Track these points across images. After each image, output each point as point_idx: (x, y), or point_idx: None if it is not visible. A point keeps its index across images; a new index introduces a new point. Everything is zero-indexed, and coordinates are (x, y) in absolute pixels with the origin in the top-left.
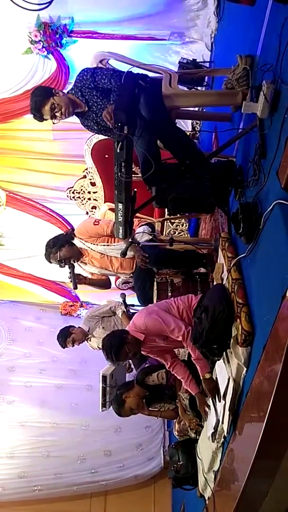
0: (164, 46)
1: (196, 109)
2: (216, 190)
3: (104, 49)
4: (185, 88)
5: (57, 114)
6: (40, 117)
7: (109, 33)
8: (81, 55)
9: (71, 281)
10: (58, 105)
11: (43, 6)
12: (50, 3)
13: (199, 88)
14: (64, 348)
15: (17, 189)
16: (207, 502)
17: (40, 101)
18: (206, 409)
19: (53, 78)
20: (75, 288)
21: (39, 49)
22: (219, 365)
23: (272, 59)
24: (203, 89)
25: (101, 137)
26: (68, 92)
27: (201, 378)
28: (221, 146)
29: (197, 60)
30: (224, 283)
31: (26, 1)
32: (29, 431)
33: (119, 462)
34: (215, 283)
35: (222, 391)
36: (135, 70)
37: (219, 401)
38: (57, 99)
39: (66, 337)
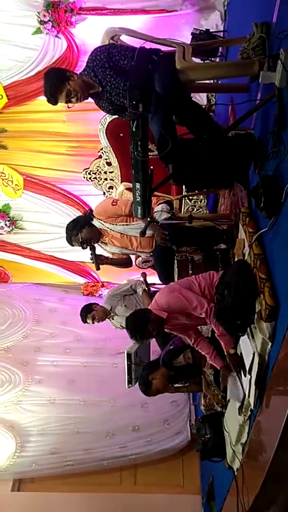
0: (175, 17)
1: (211, 81)
2: (235, 164)
3: (114, 25)
4: (199, 60)
5: (73, 99)
6: (55, 102)
7: (118, 8)
8: (92, 33)
9: (93, 263)
10: (74, 90)
11: None
12: None
13: (213, 59)
14: (84, 322)
15: (34, 172)
16: (235, 473)
17: (55, 87)
18: (230, 381)
19: (64, 57)
20: (98, 269)
21: (48, 29)
22: (244, 340)
23: None
24: (218, 60)
25: (115, 116)
26: (80, 74)
27: (226, 353)
28: (238, 119)
29: (211, 30)
30: (245, 258)
31: None
32: (58, 408)
33: (146, 437)
34: (236, 259)
35: (247, 366)
36: (147, 45)
37: (245, 376)
38: (72, 83)
39: (87, 312)
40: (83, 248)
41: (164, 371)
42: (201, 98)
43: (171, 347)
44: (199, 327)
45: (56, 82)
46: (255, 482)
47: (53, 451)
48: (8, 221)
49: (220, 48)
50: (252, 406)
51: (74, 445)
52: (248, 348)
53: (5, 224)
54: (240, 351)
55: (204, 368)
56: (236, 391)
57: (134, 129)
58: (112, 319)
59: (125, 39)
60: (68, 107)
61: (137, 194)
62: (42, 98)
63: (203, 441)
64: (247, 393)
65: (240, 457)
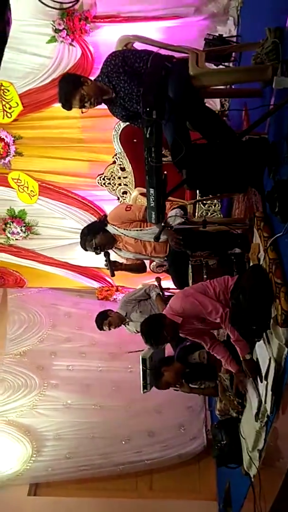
0: (189, 24)
1: (225, 86)
2: (249, 169)
3: (128, 32)
4: (213, 66)
5: (87, 104)
6: (69, 107)
7: (132, 16)
8: (106, 40)
9: (108, 268)
10: (88, 95)
11: (71, 3)
12: (77, 1)
13: (226, 64)
14: (101, 330)
15: (49, 178)
16: (252, 480)
17: (70, 92)
18: (242, 387)
19: (78, 65)
20: (112, 275)
21: (63, 37)
22: (260, 345)
23: None
24: (231, 65)
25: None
26: (95, 80)
27: (241, 359)
28: (252, 124)
29: (224, 35)
30: (261, 263)
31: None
32: (74, 413)
33: (162, 442)
34: (251, 263)
35: (263, 372)
36: (161, 52)
37: (261, 382)
38: (86, 89)
39: (103, 319)
40: (97, 253)
41: (178, 365)
42: (214, 103)
43: (187, 343)
44: (215, 330)
45: (70, 88)
46: (272, 488)
47: (68, 455)
48: (24, 226)
49: (233, 53)
50: (268, 412)
51: (90, 449)
52: (264, 353)
53: (21, 230)
54: (256, 357)
55: (220, 373)
56: (252, 397)
57: (148, 136)
58: (127, 324)
59: (138, 46)
60: (82, 112)
61: (151, 199)
62: (57, 105)
63: (219, 447)
64: (263, 399)
65: (257, 464)
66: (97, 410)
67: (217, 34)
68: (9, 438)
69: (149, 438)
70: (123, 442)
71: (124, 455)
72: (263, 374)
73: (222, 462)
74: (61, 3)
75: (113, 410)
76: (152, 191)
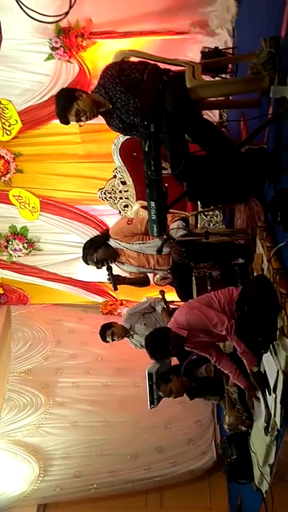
0: (184, 38)
1: (222, 97)
2: (250, 179)
3: (124, 47)
4: (210, 78)
5: (83, 118)
6: (66, 122)
7: (127, 31)
8: (103, 56)
9: (110, 283)
10: (83, 110)
11: (60, 17)
12: (66, 13)
13: (223, 76)
14: (104, 341)
15: (50, 194)
16: (264, 496)
17: (65, 107)
18: (255, 401)
19: (76, 81)
20: (115, 289)
21: (60, 54)
22: (267, 357)
23: None
24: (228, 76)
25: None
26: (91, 92)
27: (249, 371)
28: (251, 134)
29: (220, 48)
30: (265, 273)
31: (43, 14)
32: (81, 430)
33: (171, 458)
34: (255, 274)
35: (272, 384)
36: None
37: (269, 395)
38: (81, 103)
39: (106, 329)
40: (98, 268)
41: (184, 380)
42: (213, 115)
43: (193, 357)
44: (221, 343)
45: (65, 103)
46: (285, 504)
47: (77, 474)
48: (26, 243)
49: (230, 65)
50: (278, 426)
51: (98, 467)
52: (271, 365)
53: (23, 246)
54: (264, 369)
55: (227, 386)
56: (261, 411)
57: (146, 149)
58: (132, 338)
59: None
60: (80, 126)
61: (152, 212)
62: (56, 122)
63: (229, 462)
64: (272, 413)
65: (268, 479)
66: (104, 427)
67: (213, 47)
68: (15, 458)
69: (158, 454)
70: (132, 459)
71: (133, 472)
72: (272, 387)
73: (233, 478)
74: (51, 18)
75: (120, 427)
76: (152, 204)
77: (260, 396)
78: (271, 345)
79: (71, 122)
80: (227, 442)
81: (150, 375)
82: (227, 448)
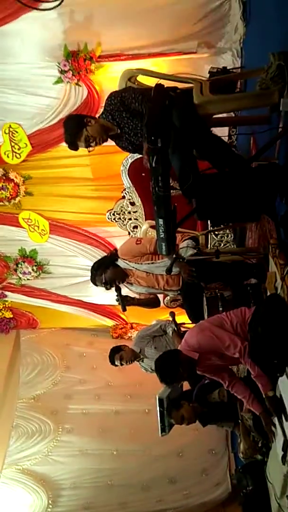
0: (193, 58)
1: (232, 114)
2: (261, 196)
3: (132, 67)
4: None
5: (92, 144)
6: (75, 148)
7: (136, 53)
8: (111, 78)
9: (119, 304)
10: (92, 136)
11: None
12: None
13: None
14: (113, 364)
15: (59, 216)
16: None
17: (74, 134)
18: (273, 428)
19: (85, 104)
20: (124, 310)
21: (69, 78)
22: (283, 381)
23: None
24: None
25: (136, 156)
26: (99, 117)
27: (264, 396)
28: (261, 148)
29: (228, 68)
30: (278, 292)
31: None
32: (90, 459)
33: (184, 489)
34: (268, 293)
35: None
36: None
37: (286, 420)
38: (90, 130)
39: (115, 353)
40: (107, 288)
41: (196, 406)
42: (222, 132)
43: (206, 381)
44: (235, 366)
45: (74, 130)
46: None
47: (86, 505)
48: (35, 266)
49: (238, 83)
50: None
51: (108, 499)
52: None
53: (32, 269)
54: (280, 393)
55: (242, 413)
56: (277, 438)
57: (154, 165)
58: (142, 361)
59: (142, 79)
60: (89, 151)
61: (160, 230)
62: (65, 144)
63: (245, 493)
64: None
65: None
66: (114, 456)
67: (221, 67)
68: (23, 488)
69: (171, 485)
70: (143, 490)
71: (144, 504)
72: None
73: (249, 510)
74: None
75: (131, 455)
76: (161, 221)
77: (277, 422)
78: (287, 368)
79: (80, 148)
80: (242, 472)
81: (160, 400)
82: (242, 478)
